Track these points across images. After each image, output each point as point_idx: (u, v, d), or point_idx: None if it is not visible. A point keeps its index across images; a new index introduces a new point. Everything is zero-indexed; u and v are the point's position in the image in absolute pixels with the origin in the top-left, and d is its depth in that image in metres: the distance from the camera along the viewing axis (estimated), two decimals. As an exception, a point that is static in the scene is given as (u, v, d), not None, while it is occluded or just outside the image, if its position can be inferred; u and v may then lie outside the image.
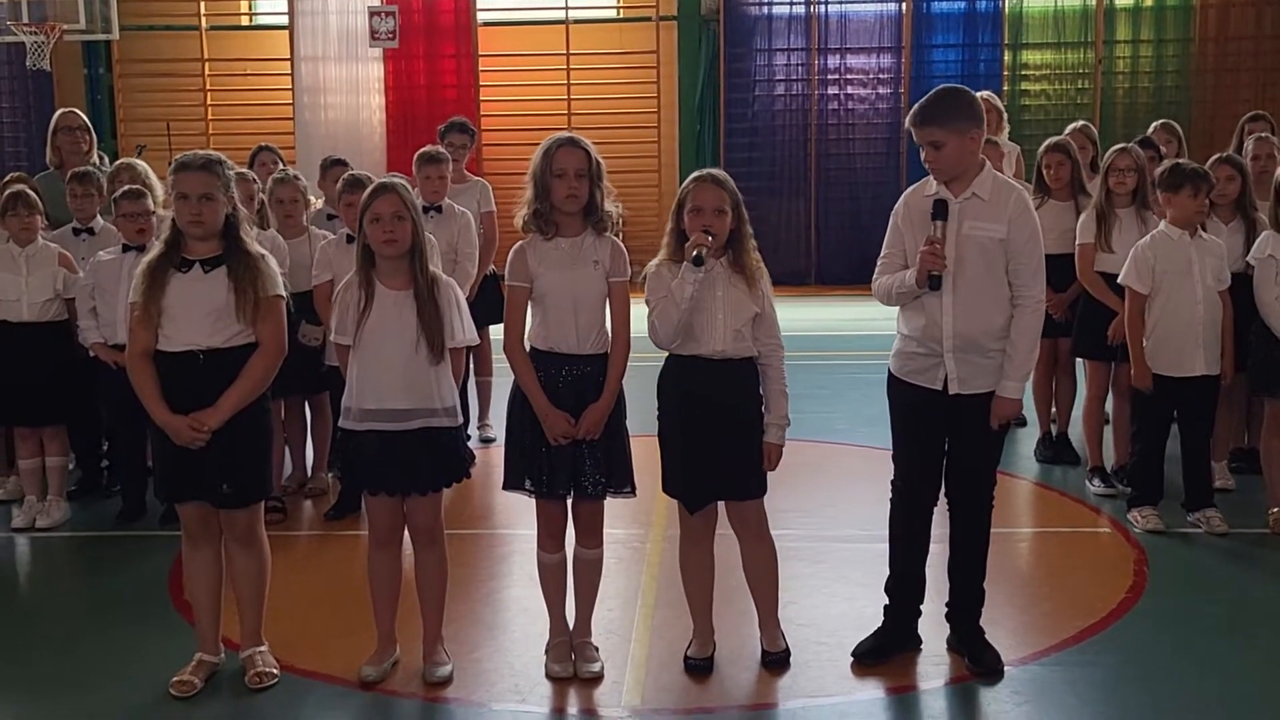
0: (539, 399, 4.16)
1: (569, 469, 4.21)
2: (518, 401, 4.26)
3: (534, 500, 4.34)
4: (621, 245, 4.28)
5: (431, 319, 4.15)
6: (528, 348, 4.26)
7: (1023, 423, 7.65)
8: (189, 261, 4.22)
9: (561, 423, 4.15)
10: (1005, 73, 15.22)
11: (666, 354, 4.34)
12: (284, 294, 4.35)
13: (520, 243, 4.26)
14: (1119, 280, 5.95)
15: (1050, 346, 6.98)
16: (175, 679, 4.27)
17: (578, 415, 4.17)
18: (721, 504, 4.43)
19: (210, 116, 15.92)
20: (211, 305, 4.17)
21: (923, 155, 4.29)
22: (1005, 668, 4.39)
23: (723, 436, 4.27)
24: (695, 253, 4.09)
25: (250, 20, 16.51)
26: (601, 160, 4.22)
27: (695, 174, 4.32)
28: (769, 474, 4.38)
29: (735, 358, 4.25)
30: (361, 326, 4.17)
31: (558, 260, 4.18)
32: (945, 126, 4.20)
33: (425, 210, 6.84)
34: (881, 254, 4.45)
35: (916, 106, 4.29)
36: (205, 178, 4.19)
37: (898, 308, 4.44)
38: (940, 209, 4.22)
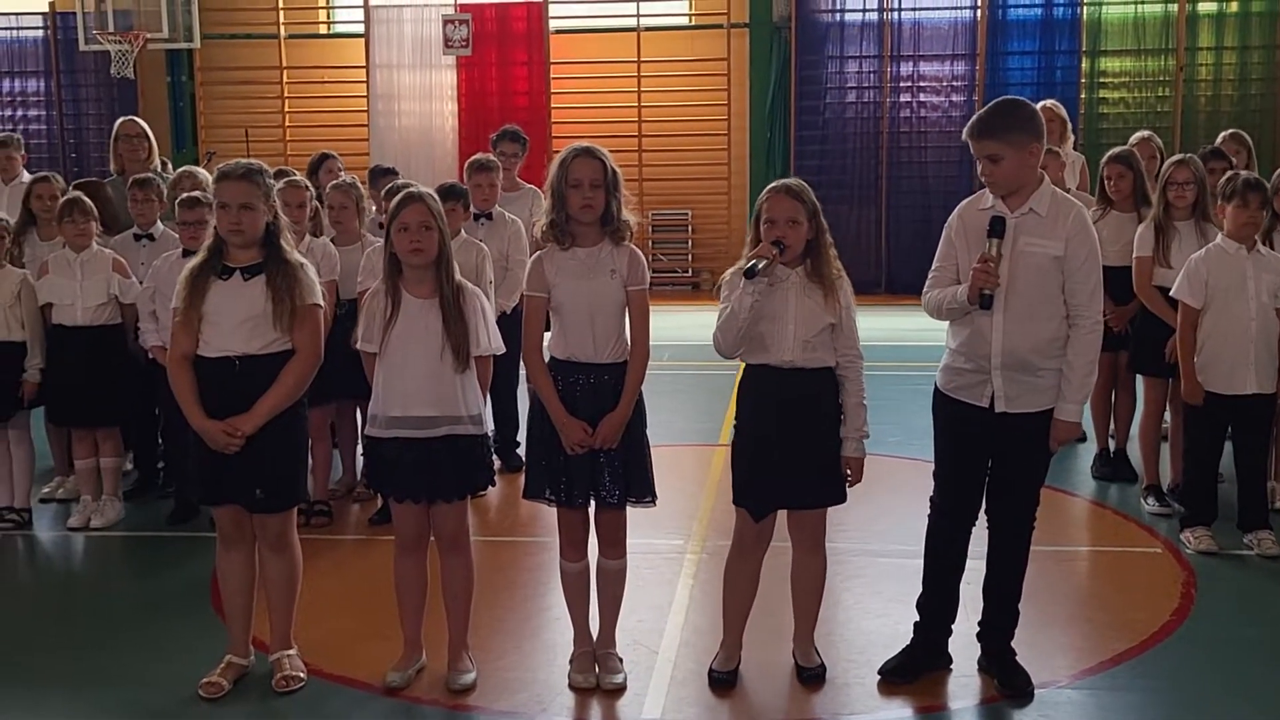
0: (556, 408, 4.17)
1: (588, 478, 4.22)
2: (538, 411, 4.28)
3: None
4: (640, 254, 4.27)
5: (457, 327, 4.18)
6: (547, 357, 4.28)
7: (1082, 438, 7.51)
8: (230, 269, 4.29)
9: (578, 432, 4.15)
10: (1083, 80, 14.96)
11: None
12: (321, 303, 4.39)
13: (538, 253, 4.29)
14: (1172, 293, 5.82)
15: (1110, 361, 6.84)
16: (204, 680, 4.35)
17: (596, 424, 4.17)
18: (783, 512, 4.40)
19: (287, 123, 16.21)
20: (249, 312, 4.23)
21: (979, 169, 4.19)
22: (1036, 690, 4.30)
23: (792, 445, 4.23)
24: (750, 264, 4.07)
25: (328, 29, 16.77)
26: (618, 170, 4.21)
27: (772, 184, 4.29)
28: (847, 487, 4.35)
29: (806, 368, 4.20)
30: (388, 334, 4.20)
31: (574, 270, 4.18)
32: (1004, 140, 4.10)
33: (476, 218, 6.90)
34: (933, 267, 4.37)
35: (974, 118, 4.19)
36: (245, 187, 4.25)
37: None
38: (997, 226, 4.11)
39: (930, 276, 4.37)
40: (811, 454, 4.27)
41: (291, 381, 4.26)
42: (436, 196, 4.31)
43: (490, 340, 4.28)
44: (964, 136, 4.22)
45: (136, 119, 7.90)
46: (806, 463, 4.26)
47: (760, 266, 4.06)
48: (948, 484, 4.45)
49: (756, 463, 4.27)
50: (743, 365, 4.33)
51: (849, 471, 4.30)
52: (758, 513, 4.33)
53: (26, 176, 7.68)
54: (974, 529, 4.45)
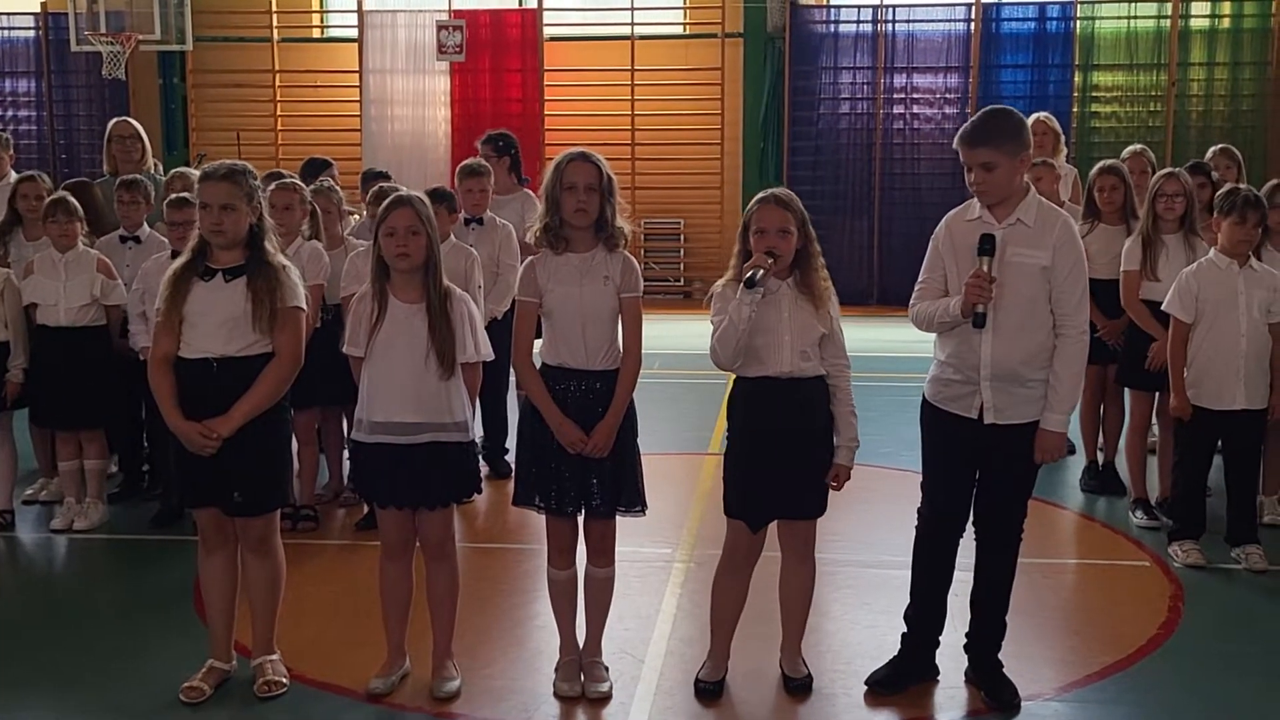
0: (550, 410, 4.14)
1: (578, 486, 4.18)
2: (528, 417, 4.24)
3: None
4: (634, 261, 4.24)
5: (442, 333, 4.14)
6: (538, 363, 4.24)
7: (1071, 450, 7.50)
8: (213, 270, 4.25)
9: (575, 429, 4.12)
10: (1075, 94, 14.99)
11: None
12: (304, 306, 4.34)
13: (531, 258, 4.26)
14: (1163, 307, 5.81)
15: (1099, 373, 6.83)
16: (185, 685, 4.31)
17: (586, 432, 4.13)
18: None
19: (280, 127, 16.18)
20: (229, 314, 4.18)
21: (970, 177, 4.16)
22: (1022, 702, 4.28)
23: (789, 456, 4.22)
24: (749, 274, 4.04)
25: (321, 33, 16.75)
26: (614, 176, 4.18)
27: (760, 195, 4.26)
28: (830, 495, 4.35)
29: (802, 377, 4.20)
30: (373, 338, 4.17)
31: (567, 275, 4.15)
32: (998, 147, 4.09)
33: (467, 222, 6.88)
34: (919, 279, 4.35)
35: (967, 126, 4.18)
36: (227, 188, 4.21)
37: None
38: (987, 244, 4.08)
39: (917, 288, 4.35)
40: (807, 463, 4.26)
41: (270, 384, 4.21)
42: (427, 201, 4.28)
43: (478, 347, 4.25)
44: (955, 144, 4.20)
45: (130, 120, 7.86)
46: (802, 472, 4.25)
47: (759, 276, 4.04)
48: (935, 495, 4.43)
49: (754, 474, 4.24)
50: (732, 378, 4.30)
51: (836, 478, 4.30)
52: (755, 524, 4.31)
53: (14, 177, 7.63)
54: (961, 540, 4.42)
